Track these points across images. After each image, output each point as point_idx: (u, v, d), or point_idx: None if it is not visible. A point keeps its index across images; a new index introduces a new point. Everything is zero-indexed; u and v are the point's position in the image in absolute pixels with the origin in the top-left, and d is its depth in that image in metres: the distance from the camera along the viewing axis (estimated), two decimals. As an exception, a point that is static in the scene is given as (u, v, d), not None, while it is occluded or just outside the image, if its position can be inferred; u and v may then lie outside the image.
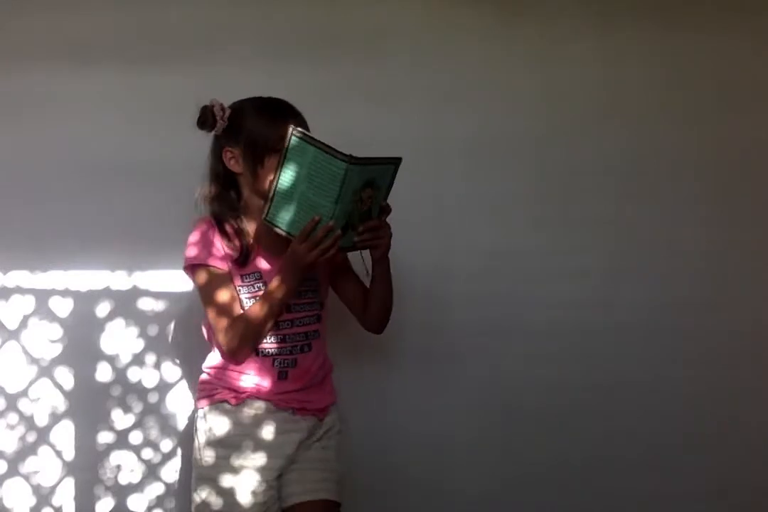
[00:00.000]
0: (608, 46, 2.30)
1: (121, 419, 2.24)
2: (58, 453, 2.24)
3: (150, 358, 2.25)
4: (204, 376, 1.84)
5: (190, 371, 2.20)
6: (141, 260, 2.23)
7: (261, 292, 1.76)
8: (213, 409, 1.79)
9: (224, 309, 1.74)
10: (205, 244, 1.76)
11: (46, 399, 2.23)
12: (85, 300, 2.23)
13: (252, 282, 1.77)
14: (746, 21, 2.31)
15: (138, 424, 2.25)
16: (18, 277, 2.24)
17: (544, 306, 2.28)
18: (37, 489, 2.24)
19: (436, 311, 2.25)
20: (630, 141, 2.30)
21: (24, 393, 2.24)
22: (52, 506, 2.24)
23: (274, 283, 1.72)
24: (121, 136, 2.23)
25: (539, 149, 2.28)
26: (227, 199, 1.80)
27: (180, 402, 2.25)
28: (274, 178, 1.66)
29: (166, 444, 2.25)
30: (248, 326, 1.74)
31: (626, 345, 2.29)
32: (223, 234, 1.77)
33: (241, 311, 1.76)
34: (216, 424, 1.78)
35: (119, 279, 2.24)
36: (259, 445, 1.77)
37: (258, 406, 1.78)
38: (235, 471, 1.75)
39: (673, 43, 2.30)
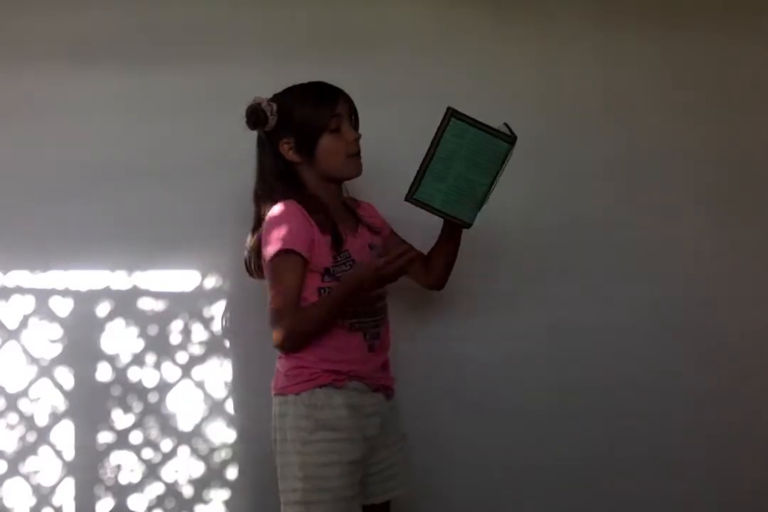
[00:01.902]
0: (608, 46, 2.30)
1: (121, 419, 2.24)
2: (58, 453, 2.24)
3: (150, 358, 2.25)
4: (294, 360, 1.78)
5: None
6: (141, 260, 2.24)
7: (350, 271, 1.76)
8: (315, 393, 1.75)
9: (292, 302, 1.72)
10: (297, 226, 1.73)
11: (46, 399, 2.24)
12: (85, 300, 2.24)
13: (344, 261, 1.77)
14: (746, 21, 2.31)
15: (138, 424, 2.25)
16: (18, 277, 2.24)
17: (544, 306, 2.28)
18: (37, 489, 2.24)
19: (432, 310, 2.25)
20: (630, 141, 2.30)
21: (24, 393, 2.24)
22: (52, 506, 2.24)
23: (338, 294, 1.72)
24: (121, 136, 2.23)
25: (539, 149, 2.28)
26: (300, 190, 1.80)
27: (180, 403, 2.25)
28: (426, 157, 1.69)
29: (166, 444, 2.25)
30: (306, 326, 1.74)
31: (626, 345, 2.29)
32: (312, 215, 1.75)
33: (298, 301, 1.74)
34: (323, 408, 1.74)
35: (119, 279, 2.24)
36: (360, 427, 1.77)
37: (355, 386, 1.78)
38: (346, 454, 1.74)
39: (673, 43, 2.30)
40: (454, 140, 1.68)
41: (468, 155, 1.69)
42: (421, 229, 1.92)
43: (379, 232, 1.92)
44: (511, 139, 1.69)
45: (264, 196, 1.82)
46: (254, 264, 1.83)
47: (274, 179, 1.81)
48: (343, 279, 1.75)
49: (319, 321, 1.75)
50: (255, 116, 1.80)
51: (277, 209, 1.76)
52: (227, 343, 2.25)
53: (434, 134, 1.70)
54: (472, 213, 1.76)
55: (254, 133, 2.24)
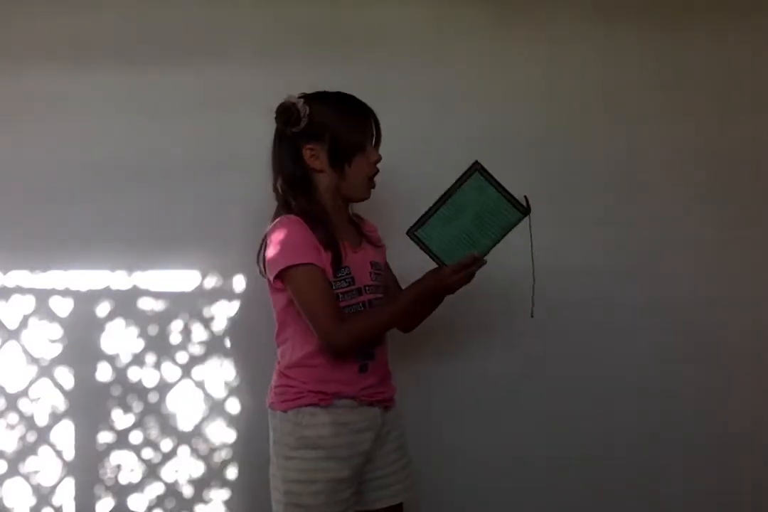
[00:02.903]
0: (608, 46, 2.30)
1: (121, 419, 2.24)
2: (58, 453, 2.24)
3: (150, 358, 2.25)
4: (282, 378, 1.78)
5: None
6: (141, 260, 2.24)
7: (350, 288, 1.76)
8: (301, 412, 1.74)
9: (334, 307, 1.72)
10: (303, 243, 1.72)
11: (46, 399, 2.24)
12: (85, 300, 2.24)
13: (343, 278, 1.76)
14: (746, 21, 2.31)
15: (138, 424, 2.25)
16: (18, 277, 2.24)
17: (543, 306, 2.27)
18: (37, 489, 2.24)
19: (435, 312, 2.25)
20: (630, 141, 2.30)
21: (24, 393, 2.24)
22: (52, 506, 2.24)
23: (408, 298, 1.74)
24: (121, 136, 2.24)
25: (539, 149, 2.28)
26: (311, 197, 1.78)
27: (180, 403, 2.25)
28: (440, 201, 1.69)
29: (166, 444, 2.25)
30: (368, 329, 1.74)
31: (626, 345, 2.29)
32: (317, 232, 1.73)
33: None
34: (306, 427, 1.73)
35: (119, 279, 2.24)
36: (347, 444, 1.74)
37: (343, 404, 1.75)
38: (326, 473, 1.72)
39: (673, 43, 2.30)
40: (472, 193, 1.69)
41: (479, 212, 1.70)
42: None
43: (382, 247, 1.92)
44: (525, 210, 1.71)
45: (281, 194, 1.80)
46: (263, 264, 1.79)
47: (290, 180, 1.79)
48: (409, 288, 1.76)
49: (376, 327, 1.77)
50: (288, 115, 1.77)
51: (282, 225, 1.73)
52: (227, 343, 2.25)
53: (455, 181, 1.70)
54: None
55: (254, 133, 2.24)
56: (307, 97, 1.79)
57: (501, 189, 1.70)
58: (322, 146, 1.77)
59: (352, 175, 1.78)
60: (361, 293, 1.79)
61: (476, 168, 1.69)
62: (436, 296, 1.79)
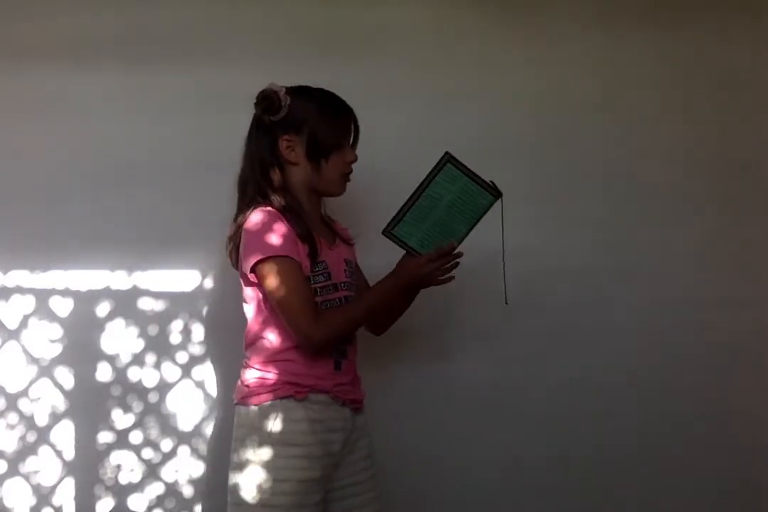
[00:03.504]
0: (608, 46, 2.30)
1: (121, 419, 2.24)
2: (58, 453, 2.24)
3: (150, 358, 2.25)
4: (256, 372, 1.74)
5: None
6: (141, 260, 2.24)
7: (327, 283, 1.75)
8: (275, 405, 1.70)
9: (310, 301, 1.70)
10: (280, 234, 1.69)
11: (46, 399, 2.23)
12: (85, 300, 2.24)
13: (320, 272, 1.74)
14: (746, 21, 2.31)
15: (138, 424, 2.24)
16: (18, 277, 2.24)
17: (543, 306, 2.28)
18: (37, 489, 2.24)
19: (431, 311, 2.24)
20: (629, 141, 2.30)
21: (24, 393, 2.24)
22: (52, 506, 2.24)
23: (384, 290, 1.74)
24: (121, 136, 2.23)
25: (539, 149, 2.28)
26: (285, 189, 1.77)
27: (180, 402, 2.25)
28: (413, 196, 1.69)
29: (166, 444, 2.25)
30: (345, 323, 1.73)
31: (626, 345, 2.29)
32: (293, 225, 1.71)
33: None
34: (281, 420, 1.69)
35: (119, 279, 2.24)
36: (321, 442, 1.70)
37: (318, 399, 1.72)
38: (299, 472, 1.68)
39: (673, 43, 2.30)
40: (444, 184, 1.69)
41: (452, 201, 1.71)
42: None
43: (353, 245, 1.90)
44: (497, 194, 1.71)
45: (250, 185, 1.78)
46: (235, 256, 1.78)
47: (262, 170, 1.78)
48: (383, 280, 1.75)
49: (353, 321, 1.76)
50: (269, 102, 1.76)
51: (258, 216, 1.71)
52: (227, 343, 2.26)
53: (427, 174, 1.69)
54: None
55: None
56: (290, 89, 1.78)
57: (472, 175, 1.70)
58: (300, 139, 1.76)
59: (327, 171, 1.77)
60: (337, 289, 1.78)
61: (447, 159, 1.68)
62: (411, 287, 1.78)
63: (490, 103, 2.29)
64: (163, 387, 2.25)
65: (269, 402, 1.71)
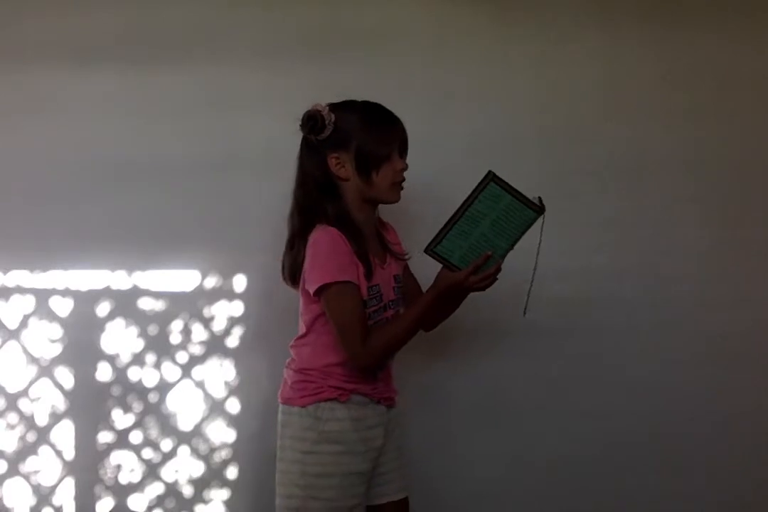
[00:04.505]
0: (608, 45, 2.30)
1: (121, 419, 2.24)
2: (58, 453, 2.24)
3: (150, 358, 2.25)
4: (303, 375, 1.82)
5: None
6: (141, 260, 2.24)
7: (378, 305, 1.81)
8: (320, 407, 1.79)
9: (362, 326, 1.76)
10: (343, 258, 1.74)
11: (46, 399, 2.24)
12: (85, 300, 2.24)
13: (374, 296, 1.80)
14: (746, 21, 2.31)
15: (138, 424, 2.25)
16: (18, 277, 2.24)
17: (543, 306, 2.28)
18: (37, 489, 2.24)
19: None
20: (630, 141, 2.30)
21: (24, 393, 2.24)
22: (52, 506, 2.24)
23: (425, 304, 1.75)
24: (121, 136, 2.24)
25: (539, 149, 2.28)
26: (341, 206, 1.79)
27: (180, 403, 2.25)
28: (456, 215, 1.69)
29: (166, 444, 2.25)
30: (389, 346, 1.79)
31: (626, 345, 2.29)
32: (352, 244, 1.75)
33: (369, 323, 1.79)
34: (325, 420, 1.78)
35: (119, 279, 2.24)
36: (364, 441, 1.80)
37: (357, 400, 1.81)
38: (345, 466, 1.78)
39: (673, 42, 2.30)
40: (488, 203, 1.69)
41: (496, 219, 1.71)
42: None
43: (403, 260, 1.93)
44: (540, 210, 1.71)
45: (307, 206, 1.80)
46: (289, 272, 1.82)
47: (316, 190, 1.80)
48: (424, 296, 1.77)
49: (397, 342, 1.79)
50: (313, 122, 1.77)
51: (323, 237, 1.75)
52: (227, 343, 2.25)
53: (470, 193, 1.70)
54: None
55: (254, 133, 2.25)
56: (333, 106, 1.80)
57: (515, 193, 1.70)
58: (348, 155, 1.77)
59: (378, 182, 1.78)
60: (386, 309, 1.84)
61: (491, 178, 1.69)
62: (452, 299, 1.82)
63: (491, 103, 2.28)
64: (163, 387, 2.25)
65: (314, 404, 1.79)
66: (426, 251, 1.71)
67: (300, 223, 1.80)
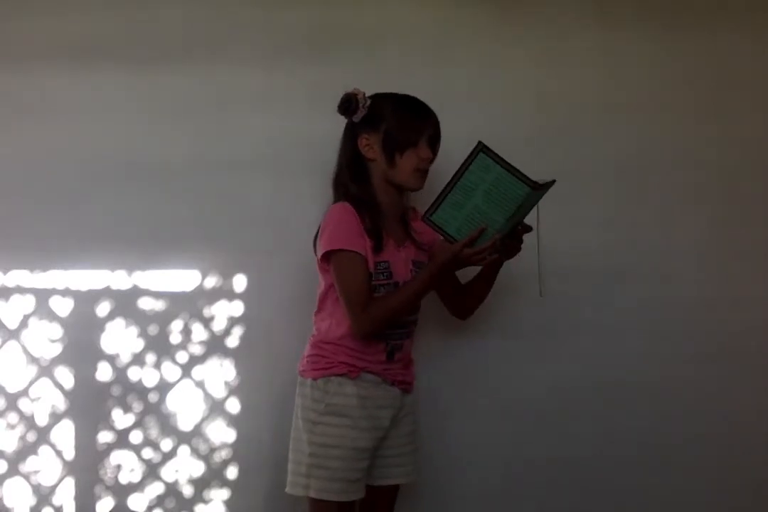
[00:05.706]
0: (608, 45, 2.30)
1: (121, 419, 2.24)
2: (58, 453, 2.24)
3: (150, 358, 2.25)
4: (317, 349, 1.93)
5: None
6: (141, 260, 2.24)
7: (388, 281, 1.89)
8: (330, 381, 1.88)
9: (362, 294, 1.85)
10: (350, 229, 1.86)
11: (46, 399, 2.24)
12: (85, 300, 2.24)
13: (381, 271, 1.88)
14: (746, 20, 2.31)
15: (138, 424, 2.25)
16: (18, 277, 2.24)
17: (542, 306, 2.28)
18: (37, 489, 2.24)
19: (435, 312, 2.25)
20: (630, 140, 2.30)
21: (24, 393, 2.24)
22: (52, 506, 2.24)
23: (424, 278, 1.84)
24: (121, 136, 2.24)
25: (539, 149, 2.28)
26: (365, 185, 1.92)
27: (180, 403, 2.25)
28: (449, 184, 1.75)
29: (166, 444, 2.25)
30: (387, 312, 1.86)
31: (626, 345, 2.29)
32: (364, 220, 1.87)
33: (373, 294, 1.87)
34: (334, 394, 1.88)
35: (119, 279, 2.24)
36: (370, 417, 1.89)
37: (369, 379, 1.90)
38: (349, 440, 1.86)
39: (673, 42, 2.30)
40: (479, 173, 1.73)
41: (488, 190, 1.74)
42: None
43: (425, 250, 2.00)
44: (533, 184, 1.73)
45: (336, 181, 1.95)
46: (314, 244, 1.94)
47: (347, 167, 1.94)
48: (423, 269, 1.86)
49: (394, 310, 1.87)
50: (348, 104, 1.91)
51: (335, 210, 1.89)
52: (227, 343, 2.25)
53: (461, 164, 1.74)
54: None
55: (254, 133, 2.25)
56: (375, 94, 1.93)
57: (506, 165, 1.73)
58: (377, 136, 1.90)
59: (401, 165, 1.89)
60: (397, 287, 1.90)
61: (480, 149, 1.72)
62: (452, 270, 1.88)
63: (491, 102, 2.29)
64: (163, 387, 2.25)
65: (325, 378, 1.89)
66: (422, 218, 1.78)
67: (333, 198, 1.94)
